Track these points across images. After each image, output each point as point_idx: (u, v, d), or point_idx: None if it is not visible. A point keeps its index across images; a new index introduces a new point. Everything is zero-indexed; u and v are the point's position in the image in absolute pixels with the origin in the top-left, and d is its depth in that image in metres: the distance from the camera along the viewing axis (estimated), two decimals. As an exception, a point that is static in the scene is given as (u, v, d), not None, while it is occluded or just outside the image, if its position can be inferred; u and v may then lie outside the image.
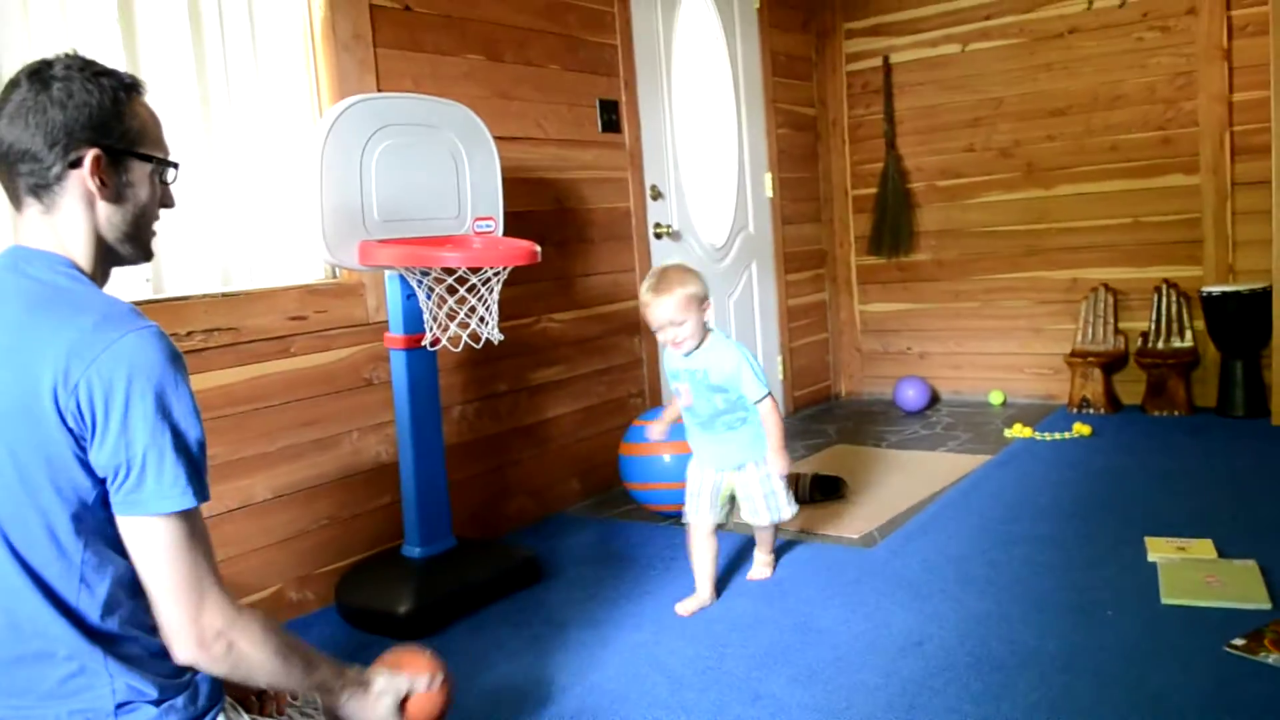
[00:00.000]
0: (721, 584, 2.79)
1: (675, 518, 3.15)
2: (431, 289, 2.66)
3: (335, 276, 2.99)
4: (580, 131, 3.82)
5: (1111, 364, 4.66)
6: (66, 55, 1.27)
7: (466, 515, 3.26)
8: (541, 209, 3.63)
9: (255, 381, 2.72)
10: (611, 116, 3.96)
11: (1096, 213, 4.75)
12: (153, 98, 1.36)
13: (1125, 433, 4.26)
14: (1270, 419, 4.19)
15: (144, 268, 2.39)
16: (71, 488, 1.19)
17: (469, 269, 2.64)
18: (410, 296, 2.69)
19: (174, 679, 1.27)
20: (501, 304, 2.77)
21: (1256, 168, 4.25)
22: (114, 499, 1.19)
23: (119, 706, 1.21)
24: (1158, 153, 4.57)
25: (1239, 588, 2.45)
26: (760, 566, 2.88)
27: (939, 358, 5.34)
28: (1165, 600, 2.44)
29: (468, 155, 2.82)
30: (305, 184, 2.52)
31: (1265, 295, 4.12)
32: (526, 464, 3.60)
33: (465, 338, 2.72)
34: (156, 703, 1.23)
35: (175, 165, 1.36)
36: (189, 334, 2.56)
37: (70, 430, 1.17)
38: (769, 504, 2.72)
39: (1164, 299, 4.57)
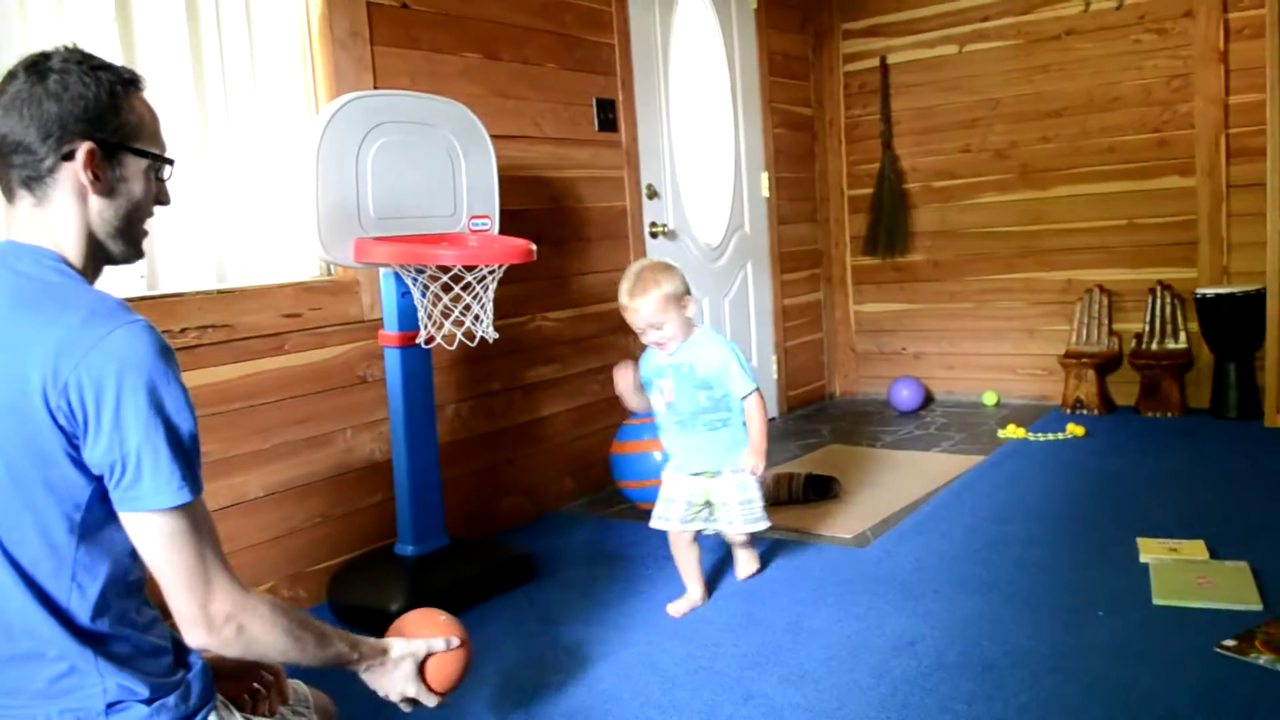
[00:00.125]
0: (712, 584, 2.79)
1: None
2: (426, 287, 2.66)
3: (330, 274, 2.99)
4: (577, 130, 3.82)
5: (1105, 365, 4.67)
6: (66, 48, 1.27)
7: (460, 514, 3.25)
8: (537, 207, 3.63)
9: (249, 379, 2.72)
10: (608, 115, 3.96)
11: (1092, 214, 4.76)
12: (149, 94, 1.35)
13: (1119, 434, 4.27)
14: (1263, 421, 4.20)
15: (139, 264, 2.38)
16: (64, 486, 1.18)
17: (464, 267, 2.64)
18: (405, 294, 2.69)
19: (165, 678, 1.26)
20: (496, 302, 2.77)
21: (1252, 170, 4.25)
22: (113, 495, 1.19)
23: (110, 706, 1.21)
24: (1153, 155, 4.57)
25: (1230, 589, 2.46)
26: (745, 562, 2.84)
27: (933, 358, 5.35)
28: (1157, 601, 2.44)
29: (464, 153, 2.81)
30: (301, 181, 2.53)
31: (1259, 297, 4.14)
32: (520, 463, 3.60)
33: (460, 336, 2.72)
34: (148, 702, 1.23)
35: (171, 162, 1.35)
36: (183, 331, 2.55)
37: (61, 429, 1.16)
38: (744, 512, 2.63)
39: (1158, 300, 4.58)
